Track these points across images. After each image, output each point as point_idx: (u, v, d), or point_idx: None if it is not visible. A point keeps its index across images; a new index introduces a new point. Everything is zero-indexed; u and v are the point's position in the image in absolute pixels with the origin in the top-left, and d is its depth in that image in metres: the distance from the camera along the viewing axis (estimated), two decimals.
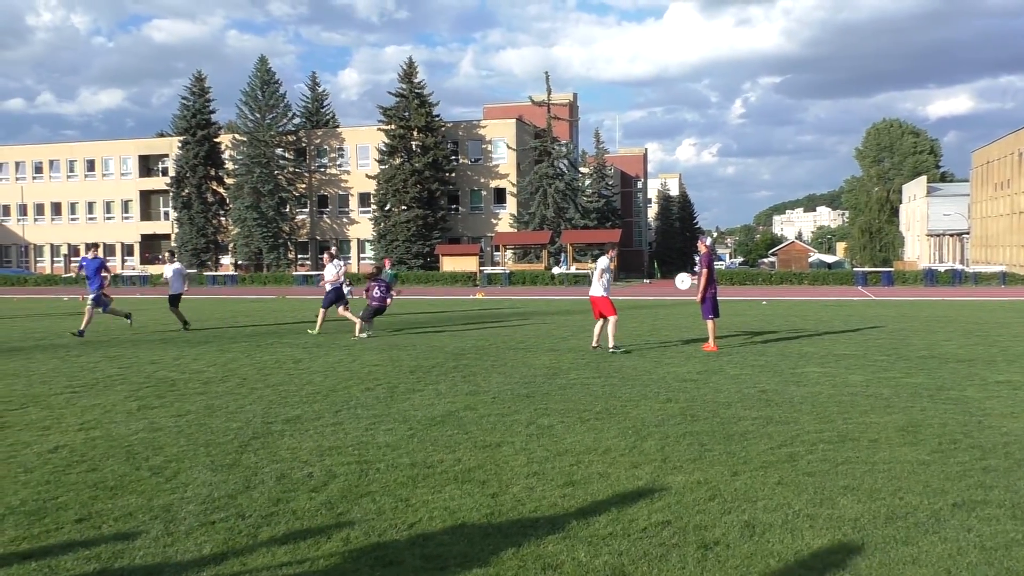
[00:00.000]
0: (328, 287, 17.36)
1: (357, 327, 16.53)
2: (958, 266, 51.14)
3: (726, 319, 19.71)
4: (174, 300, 18.68)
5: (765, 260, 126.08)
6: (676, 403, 8.65)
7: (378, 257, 61.26)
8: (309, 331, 17.35)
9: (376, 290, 17.10)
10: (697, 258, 14.05)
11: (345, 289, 17.81)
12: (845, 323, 18.76)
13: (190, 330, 18.10)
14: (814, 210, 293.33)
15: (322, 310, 17.51)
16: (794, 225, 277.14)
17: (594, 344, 13.66)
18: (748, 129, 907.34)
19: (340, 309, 17.45)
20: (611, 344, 13.17)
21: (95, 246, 17.57)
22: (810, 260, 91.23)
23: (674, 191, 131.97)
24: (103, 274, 17.05)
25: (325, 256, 17.87)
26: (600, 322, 13.68)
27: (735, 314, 21.84)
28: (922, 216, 78.96)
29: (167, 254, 21.38)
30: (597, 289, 13.64)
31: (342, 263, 19.50)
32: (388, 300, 17.23)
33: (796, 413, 8.06)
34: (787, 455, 6.40)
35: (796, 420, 7.73)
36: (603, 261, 13.92)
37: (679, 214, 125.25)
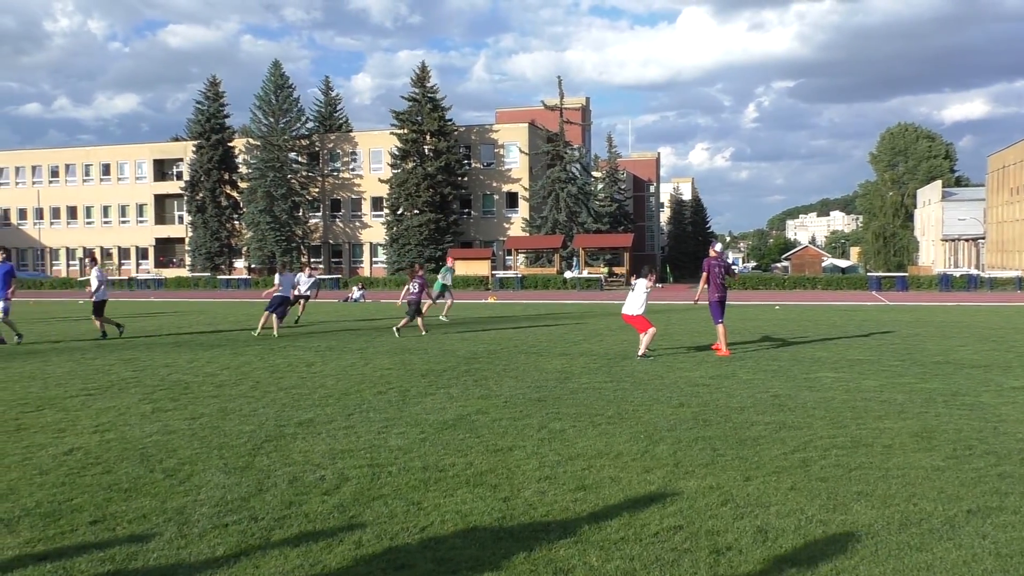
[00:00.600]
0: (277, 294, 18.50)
1: (400, 324, 17.66)
2: (973, 271, 50.80)
3: (739, 323, 19.64)
4: (98, 308, 17.78)
5: (778, 264, 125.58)
6: (688, 408, 8.63)
7: (390, 260, 61.47)
8: (254, 333, 18.00)
9: (412, 285, 17.90)
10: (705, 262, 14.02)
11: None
12: (859, 328, 18.66)
13: (124, 336, 17.54)
14: (828, 214, 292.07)
15: (269, 314, 18.32)
16: (807, 229, 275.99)
17: (640, 354, 13.21)
18: (761, 133, 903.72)
19: (271, 313, 18.26)
20: (640, 351, 13.11)
21: (2, 249, 17.05)
22: (824, 265, 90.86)
23: (687, 195, 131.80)
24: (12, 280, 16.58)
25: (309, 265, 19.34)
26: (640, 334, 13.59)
27: (748, 319, 21.78)
28: (937, 221, 78.49)
29: (88, 260, 21.45)
30: (631, 308, 13.48)
31: (306, 274, 21.18)
32: (424, 297, 18.08)
33: (809, 418, 8.02)
34: (800, 460, 6.38)
35: (809, 425, 7.69)
36: (643, 283, 13.65)
37: (692, 218, 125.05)
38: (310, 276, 22.84)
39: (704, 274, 13.79)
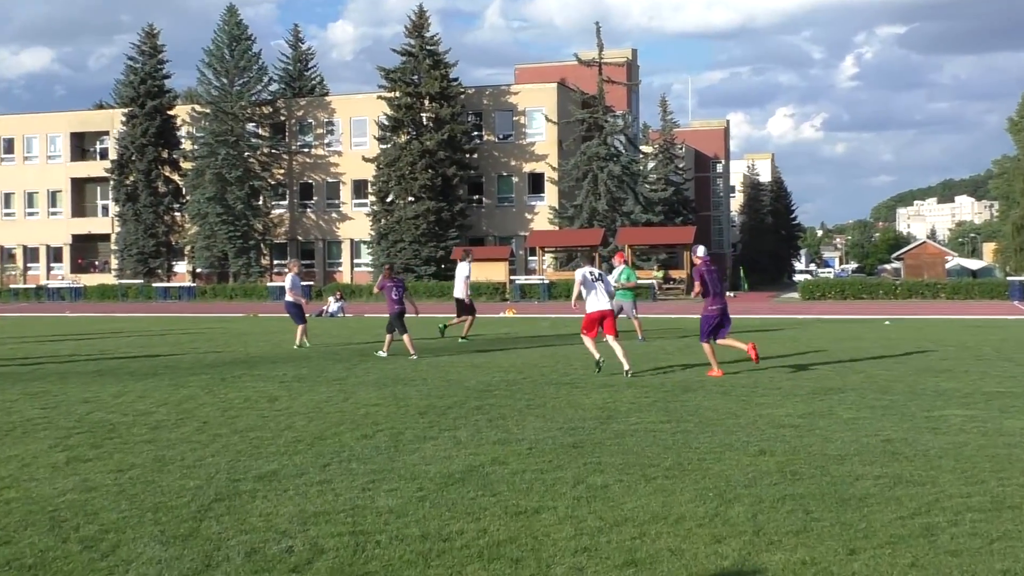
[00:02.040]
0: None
1: (410, 342, 18.29)
2: None
3: (834, 344, 19.52)
4: None
5: (887, 266, 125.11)
6: (772, 456, 8.57)
7: (377, 261, 61.69)
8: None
9: (393, 292, 18.59)
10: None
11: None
12: (997, 350, 18.51)
13: None
14: (952, 201, 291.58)
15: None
16: (925, 221, 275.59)
17: (628, 367, 14.60)
18: (863, 95, 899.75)
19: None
20: (626, 366, 14.56)
21: None
22: (948, 266, 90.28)
23: (765, 176, 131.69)
24: None
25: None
26: (610, 339, 14.94)
27: (848, 337, 21.64)
28: None
29: None
30: (608, 300, 15.20)
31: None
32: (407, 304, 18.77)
33: (934, 471, 7.94)
34: (923, 527, 6.30)
35: (934, 480, 7.61)
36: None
37: (772, 206, 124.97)
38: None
39: (697, 284, 14.97)
